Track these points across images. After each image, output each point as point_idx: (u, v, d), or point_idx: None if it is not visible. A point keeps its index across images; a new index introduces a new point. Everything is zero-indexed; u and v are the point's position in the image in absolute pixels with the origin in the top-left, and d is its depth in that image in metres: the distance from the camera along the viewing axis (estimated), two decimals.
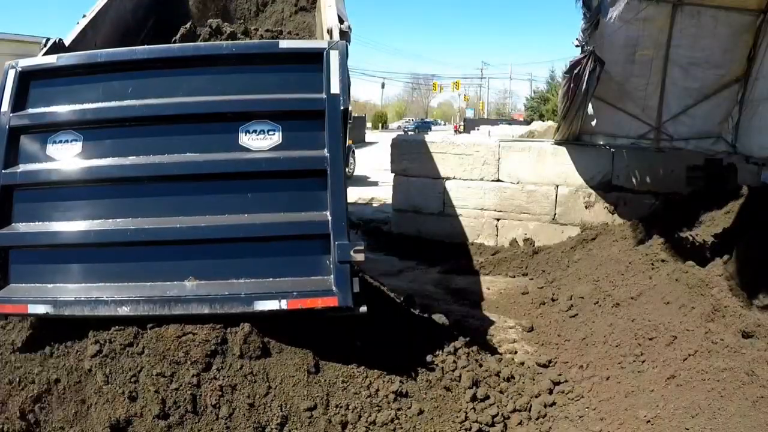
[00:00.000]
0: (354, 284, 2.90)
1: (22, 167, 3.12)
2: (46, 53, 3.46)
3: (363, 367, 3.17)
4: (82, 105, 3.17)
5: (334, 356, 3.14)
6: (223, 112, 3.13)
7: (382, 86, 68.07)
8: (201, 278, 3.00)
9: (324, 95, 3.05)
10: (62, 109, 3.17)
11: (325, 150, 3.01)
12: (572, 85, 6.52)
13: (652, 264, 4.99)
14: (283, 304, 2.88)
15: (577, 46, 6.73)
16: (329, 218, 2.96)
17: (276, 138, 3.08)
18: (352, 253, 2.90)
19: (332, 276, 2.92)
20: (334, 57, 3.08)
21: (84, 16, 4.17)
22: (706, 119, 6.94)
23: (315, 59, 3.11)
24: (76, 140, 3.13)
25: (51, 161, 3.13)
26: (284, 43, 3.33)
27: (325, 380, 3.04)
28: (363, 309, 2.93)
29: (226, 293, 2.94)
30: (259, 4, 5.69)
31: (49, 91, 3.21)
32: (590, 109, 7.07)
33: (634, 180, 7.04)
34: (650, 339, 3.80)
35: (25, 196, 3.11)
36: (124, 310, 2.91)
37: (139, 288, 2.98)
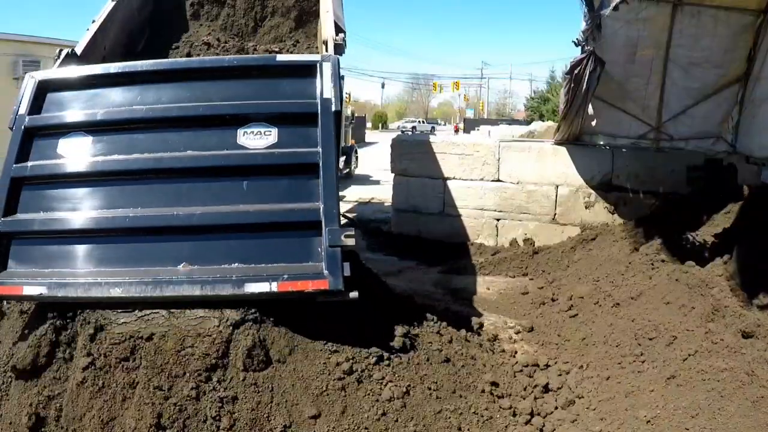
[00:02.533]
0: (345, 268, 2.94)
1: (32, 163, 3.29)
2: (60, 64, 3.76)
3: (370, 369, 3.16)
4: (93, 110, 3.40)
5: (339, 359, 3.13)
6: (222, 114, 3.35)
7: (382, 86, 68.06)
8: (195, 263, 3.07)
9: (317, 100, 3.29)
10: (75, 113, 3.41)
11: (318, 147, 3.19)
12: (573, 85, 6.52)
13: (652, 264, 5.00)
14: (274, 287, 2.91)
15: (577, 45, 6.74)
16: (321, 206, 3.08)
17: (272, 138, 3.28)
18: (342, 237, 2.97)
19: (323, 261, 2.97)
20: (327, 67, 3.35)
21: (93, 21, 4.34)
22: (706, 119, 6.94)
23: (310, 70, 3.39)
24: (86, 139, 3.34)
25: (60, 158, 3.31)
26: (281, 57, 3.60)
27: (331, 386, 3.03)
28: (354, 294, 2.96)
29: (218, 276, 2.99)
30: (257, 20, 5.64)
31: (64, 97, 3.47)
32: (590, 109, 7.07)
33: (634, 180, 7.04)
34: (650, 339, 3.81)
35: (32, 189, 3.26)
36: (116, 292, 2.95)
37: (134, 272, 3.05)
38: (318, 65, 3.36)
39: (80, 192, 3.27)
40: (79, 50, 3.98)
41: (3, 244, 3.15)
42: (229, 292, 2.94)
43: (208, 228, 3.14)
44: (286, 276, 2.94)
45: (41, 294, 3.00)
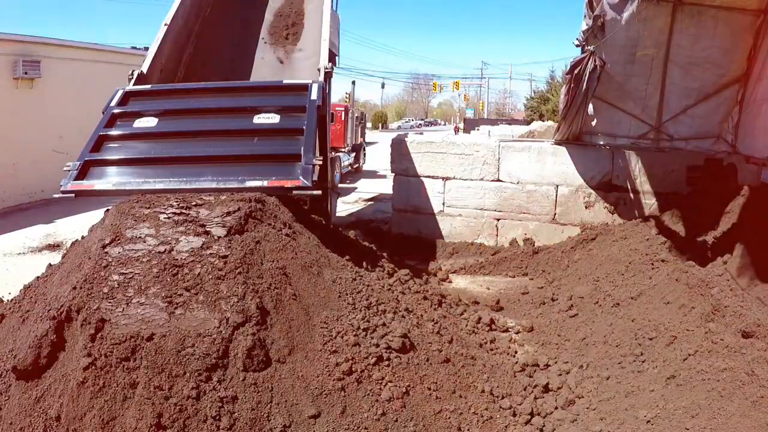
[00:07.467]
0: (314, 175, 4.17)
1: (113, 130, 4.79)
2: (135, 82, 5.39)
3: (370, 369, 3.16)
4: (160, 105, 4.98)
5: (338, 359, 3.13)
6: (243, 106, 4.93)
7: (382, 86, 67.89)
8: (216, 176, 4.29)
9: (307, 100, 4.87)
10: (148, 106, 4.98)
11: (305, 121, 4.69)
12: (573, 85, 6.53)
13: (652, 264, 4.99)
14: (265, 183, 4.15)
15: (577, 45, 6.74)
16: (302, 147, 4.45)
17: (275, 120, 4.75)
18: (314, 160, 4.30)
19: (300, 172, 4.24)
20: (315, 86, 4.99)
21: (152, 44, 5.84)
22: (706, 119, 6.95)
23: (304, 88, 5.02)
24: (154, 120, 4.82)
25: (134, 128, 4.79)
26: (286, 81, 5.38)
27: (331, 386, 3.02)
28: (318, 192, 4.27)
29: (229, 176, 4.26)
30: None
31: (142, 99, 5.11)
32: (590, 109, 7.08)
33: (634, 180, 7.04)
34: (650, 339, 3.81)
35: (110, 142, 4.72)
36: (160, 185, 4.18)
37: (173, 179, 4.28)
38: (309, 85, 5.01)
39: (145, 143, 4.72)
40: (144, 70, 5.56)
41: (85, 167, 4.45)
42: (235, 186, 4.15)
43: (225, 157, 4.49)
44: (273, 177, 4.22)
45: (107, 188, 4.27)
